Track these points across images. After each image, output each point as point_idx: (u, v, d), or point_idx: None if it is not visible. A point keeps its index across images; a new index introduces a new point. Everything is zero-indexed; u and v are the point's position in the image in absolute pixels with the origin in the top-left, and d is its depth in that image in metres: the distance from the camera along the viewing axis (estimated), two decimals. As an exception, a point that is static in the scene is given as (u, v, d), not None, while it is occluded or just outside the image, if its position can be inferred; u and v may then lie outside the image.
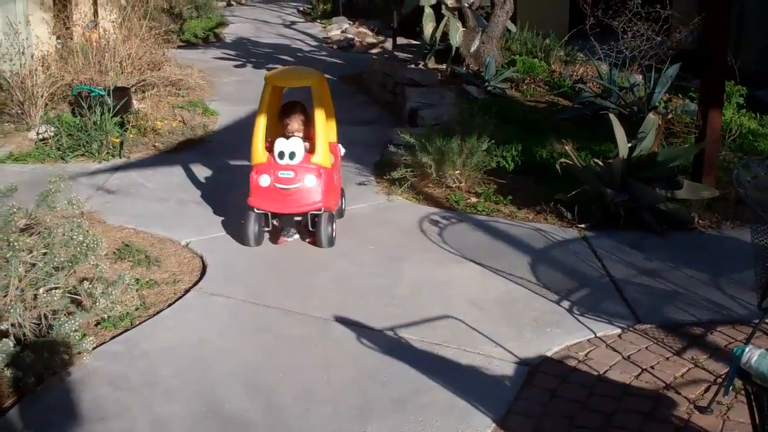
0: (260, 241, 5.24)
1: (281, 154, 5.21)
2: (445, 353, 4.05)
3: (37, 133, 7.61)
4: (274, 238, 5.38)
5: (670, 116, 6.69)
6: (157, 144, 7.75)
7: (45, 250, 3.59)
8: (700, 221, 5.73)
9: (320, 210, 5.22)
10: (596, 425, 3.53)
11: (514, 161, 6.84)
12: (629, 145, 5.84)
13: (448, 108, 7.85)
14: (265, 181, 5.21)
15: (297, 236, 5.37)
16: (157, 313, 4.41)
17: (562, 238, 5.54)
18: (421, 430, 3.45)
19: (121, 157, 7.30)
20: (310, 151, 5.29)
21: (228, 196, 6.17)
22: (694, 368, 3.97)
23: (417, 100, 8.25)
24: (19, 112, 8.03)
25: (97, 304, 3.67)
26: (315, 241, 5.29)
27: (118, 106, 7.68)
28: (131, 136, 7.72)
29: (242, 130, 8.19)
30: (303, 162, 5.22)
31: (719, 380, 3.76)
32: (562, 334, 4.26)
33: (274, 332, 4.23)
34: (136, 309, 4.39)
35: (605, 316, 4.44)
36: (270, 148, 5.32)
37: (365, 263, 5.10)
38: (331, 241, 5.26)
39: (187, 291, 4.69)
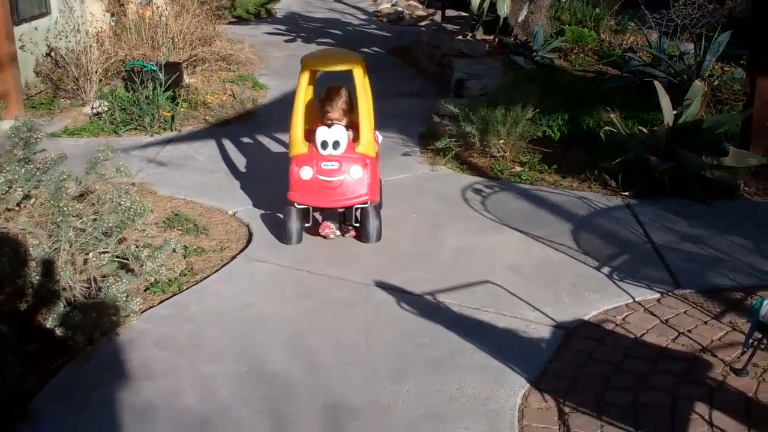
0: (301, 238, 4.91)
1: (324, 144, 4.86)
2: (483, 317, 4.11)
3: (92, 108, 7.82)
4: (314, 232, 5.03)
5: (716, 83, 6.62)
6: (207, 117, 7.90)
7: (94, 216, 3.73)
8: (746, 189, 5.69)
9: (366, 203, 4.90)
10: (630, 386, 3.57)
11: (560, 130, 6.83)
12: (675, 112, 5.80)
13: (495, 78, 7.85)
14: (307, 173, 4.85)
15: (338, 233, 5.02)
16: (204, 278, 4.55)
17: (605, 205, 5.54)
18: (457, 389, 3.53)
19: (172, 131, 7.47)
20: (354, 140, 4.98)
21: (276, 167, 6.27)
22: (732, 332, 3.98)
23: (463, 71, 8.26)
24: (75, 87, 8.25)
25: (144, 267, 3.81)
26: (359, 236, 4.96)
27: (170, 81, 7.83)
28: (182, 110, 7.87)
29: (290, 103, 8.22)
30: (347, 152, 4.88)
31: (756, 343, 3.75)
32: (600, 298, 4.29)
33: (316, 297, 4.33)
34: (184, 275, 4.53)
35: (645, 281, 4.46)
36: (309, 138, 4.99)
37: (408, 231, 5.17)
38: (379, 235, 4.93)
39: (233, 258, 4.81)
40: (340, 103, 5.03)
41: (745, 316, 4.09)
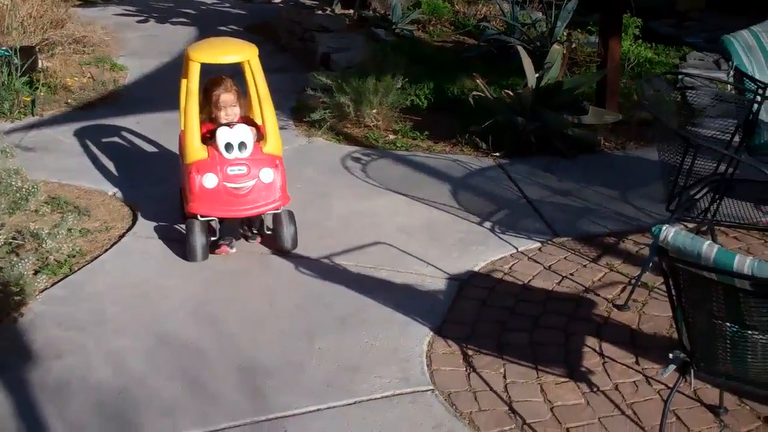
0: (207, 254, 4.39)
1: (228, 146, 4.33)
2: (380, 275, 4.28)
3: (-57, 96, 7.45)
4: (212, 247, 4.50)
5: (573, 46, 7.01)
6: (69, 101, 7.66)
7: (-17, 199, 3.65)
8: (606, 144, 6.08)
9: (279, 208, 4.46)
10: (525, 327, 3.84)
11: (427, 99, 7.05)
12: (537, 75, 6.12)
13: (360, 51, 7.99)
14: (211, 181, 4.30)
15: (235, 248, 4.55)
16: (95, 258, 4.49)
17: (478, 166, 5.81)
18: (366, 342, 3.69)
19: (34, 115, 7.21)
20: (257, 139, 4.52)
21: (147, 147, 6.22)
22: (610, 272, 4.30)
23: (328, 45, 8.36)
24: None
25: (44, 245, 3.75)
26: (274, 244, 4.51)
27: (26, 66, 7.55)
28: (42, 94, 7.60)
29: (153, 83, 8.19)
30: (254, 153, 4.40)
31: (633, 281, 4.09)
32: (486, 250, 4.54)
33: (214, 268, 4.37)
34: (73, 256, 4.46)
35: (525, 232, 4.74)
36: (205, 140, 4.47)
37: (294, 200, 5.21)
38: (296, 242, 4.49)
39: (121, 237, 4.76)
40: (230, 84, 4.54)
41: (620, 258, 4.45)
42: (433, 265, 4.36)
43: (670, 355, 2.71)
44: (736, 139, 4.34)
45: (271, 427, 3.16)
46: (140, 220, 4.98)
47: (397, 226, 4.85)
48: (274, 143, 4.53)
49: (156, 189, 5.38)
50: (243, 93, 4.64)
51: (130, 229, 4.87)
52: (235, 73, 4.77)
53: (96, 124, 6.95)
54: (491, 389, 3.40)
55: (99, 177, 5.71)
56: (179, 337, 3.74)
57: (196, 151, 4.40)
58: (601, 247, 4.58)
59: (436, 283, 4.21)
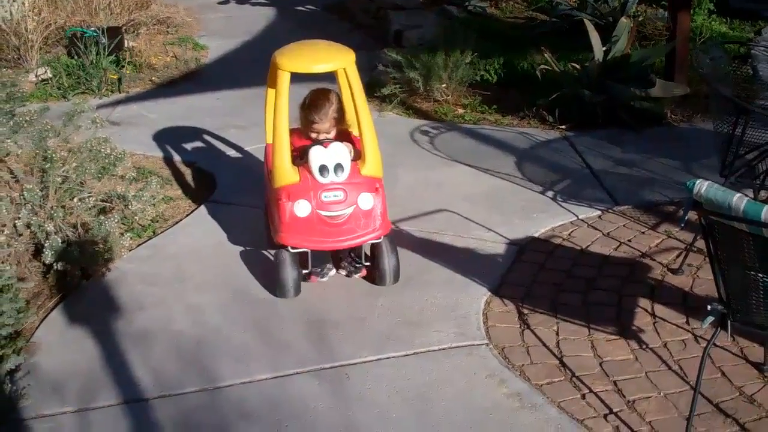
0: (300, 289, 3.92)
1: (323, 169, 3.81)
2: (442, 240, 4.47)
3: (36, 75, 7.89)
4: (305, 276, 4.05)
5: (641, 19, 7.04)
6: (153, 78, 8.04)
7: (75, 164, 3.96)
8: (673, 116, 6.14)
9: (380, 238, 3.95)
10: (580, 288, 3.99)
11: (497, 74, 7.18)
12: (604, 48, 6.20)
13: (431, 28, 8.15)
14: (304, 209, 3.81)
15: (333, 272, 4.13)
16: (176, 222, 4.80)
17: (544, 138, 5.94)
18: (426, 300, 3.90)
19: (120, 92, 7.60)
20: (355, 158, 3.99)
21: (226, 121, 6.51)
22: (667, 239, 4.41)
23: (400, 23, 8.55)
24: (16, 57, 8.30)
25: (130, 207, 4.06)
26: (372, 276, 4.03)
27: (113, 45, 7.94)
28: (128, 72, 8.00)
29: (232, 62, 8.50)
30: (352, 176, 3.87)
31: (689, 247, 4.19)
32: (547, 218, 4.69)
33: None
34: (156, 221, 4.77)
35: (586, 201, 4.87)
36: (294, 158, 3.94)
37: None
38: (398, 275, 3.99)
39: (201, 203, 5.06)
40: (331, 111, 3.99)
41: (678, 226, 4.54)
42: (494, 231, 4.54)
43: (709, 307, 2.84)
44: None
45: (335, 373, 3.40)
46: (218, 188, 5.27)
47: (462, 194, 5.03)
48: (373, 163, 3.94)
49: (234, 160, 5.68)
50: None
51: (209, 196, 5.16)
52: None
53: (179, 100, 7.29)
54: (543, 344, 3.58)
55: (181, 148, 6.03)
56: (253, 293, 4.01)
57: (286, 174, 3.86)
58: (660, 215, 4.69)
59: (496, 247, 4.38)
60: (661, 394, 3.25)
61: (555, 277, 4.10)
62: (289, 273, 3.86)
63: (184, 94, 7.46)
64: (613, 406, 3.18)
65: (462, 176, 5.34)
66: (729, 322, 2.78)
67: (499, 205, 4.86)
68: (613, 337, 3.61)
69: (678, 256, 4.21)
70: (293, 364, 3.47)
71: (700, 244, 4.16)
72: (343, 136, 4.11)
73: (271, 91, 4.25)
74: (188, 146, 6.08)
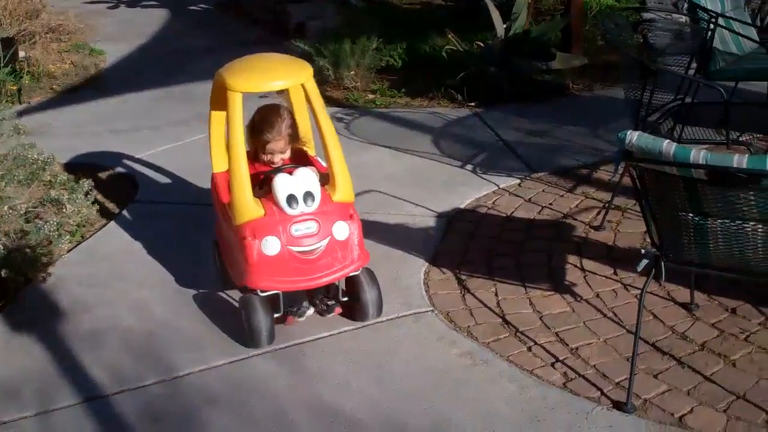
0: (274, 335, 3.50)
1: (291, 200, 3.40)
2: (374, 218, 4.59)
3: (-68, 91, 7.65)
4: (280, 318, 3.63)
5: (536, -4, 7.31)
6: (54, 87, 7.89)
7: (2, 172, 3.92)
8: (574, 87, 6.43)
9: (359, 269, 3.59)
10: (511, 252, 4.19)
11: (401, 59, 7.35)
12: (504, 26, 6.44)
13: (331, 19, 8.26)
14: (273, 246, 3.38)
15: (311, 310, 3.65)
16: (104, 225, 4.77)
17: (456, 116, 6.13)
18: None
19: (21, 103, 7.43)
20: (322, 183, 3.56)
21: (136, 122, 6.47)
22: (586, 199, 4.66)
23: (301, 15, 8.64)
24: None
25: (64, 210, 4.04)
26: (351, 312, 3.66)
27: (7, 56, 7.77)
28: (27, 82, 7.83)
29: (132, 65, 8.45)
30: (323, 204, 3.47)
31: (607, 204, 4.44)
32: (470, 189, 4.88)
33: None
34: (83, 225, 4.74)
35: (504, 171, 5.08)
36: (252, 188, 3.48)
37: (285, 160, 5.56)
38: (381, 308, 3.65)
39: (126, 206, 5.04)
40: (285, 127, 3.62)
41: (594, 186, 4.80)
42: (422, 206, 4.69)
43: (642, 251, 3.06)
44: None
45: (291, 352, 3.49)
46: (141, 188, 5.26)
47: (385, 175, 5.17)
48: (345, 188, 3.56)
49: (151, 160, 5.66)
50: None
51: (133, 197, 5.15)
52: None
53: (83, 106, 7.19)
54: (485, 306, 3.75)
55: (96, 153, 5.96)
56: (195, 285, 4.04)
57: (249, 208, 3.41)
58: (575, 179, 4.93)
59: (427, 221, 4.54)
60: (601, 339, 3.46)
61: (486, 244, 4.28)
62: (262, 320, 3.43)
63: (88, 101, 7.35)
64: (559, 354, 3.38)
65: (382, 157, 5.47)
66: (662, 263, 2.99)
67: (423, 182, 5.02)
68: (549, 293, 3.81)
69: (598, 214, 4.45)
70: (251, 349, 3.53)
71: (618, 201, 4.42)
72: (299, 156, 3.79)
73: (216, 115, 3.80)
74: (102, 150, 6.02)
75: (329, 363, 3.40)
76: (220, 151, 3.86)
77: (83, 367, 3.46)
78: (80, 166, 5.71)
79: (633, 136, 2.67)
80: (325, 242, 3.44)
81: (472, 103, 6.27)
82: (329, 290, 3.63)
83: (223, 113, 3.71)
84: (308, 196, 3.42)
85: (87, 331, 3.72)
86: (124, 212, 4.94)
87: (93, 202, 4.73)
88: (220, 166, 3.87)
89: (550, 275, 3.95)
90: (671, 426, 2.93)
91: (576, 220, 4.44)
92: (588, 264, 4.01)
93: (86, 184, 4.40)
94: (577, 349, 3.41)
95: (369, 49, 6.74)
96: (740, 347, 3.32)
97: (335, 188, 3.54)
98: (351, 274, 3.55)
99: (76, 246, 4.53)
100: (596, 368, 3.28)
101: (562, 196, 4.73)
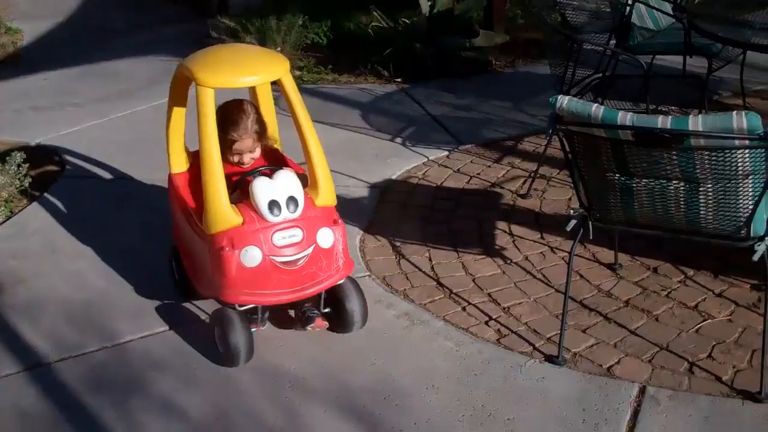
0: (252, 353, 3.22)
1: (273, 205, 3.11)
2: (307, 190, 4.67)
3: None
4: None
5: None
6: (-31, 66, 7.71)
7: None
8: (497, 63, 6.60)
9: (343, 278, 3.34)
10: (443, 219, 4.32)
11: (327, 36, 7.40)
12: (429, 3, 6.56)
13: (255, -5, 8.26)
14: (253, 257, 3.08)
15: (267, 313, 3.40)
16: (32, 201, 4.73)
17: (383, 92, 6.23)
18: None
19: (-64, 83, 7.25)
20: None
21: (59, 98, 6.38)
22: (512, 169, 4.82)
23: (223, -8, 8.60)
24: None
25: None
26: (333, 324, 3.39)
27: None
28: (-59, 61, 7.64)
29: (51, 42, 8.33)
30: (306, 209, 3.19)
31: (533, 173, 4.60)
32: (401, 161, 4.99)
33: (152, 197, 4.68)
34: (11, 201, 4.69)
35: (433, 144, 5.21)
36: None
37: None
38: (366, 318, 3.38)
39: (55, 180, 5.00)
40: (251, 124, 3.35)
41: (520, 157, 4.96)
42: (355, 178, 4.78)
43: (571, 211, 3.21)
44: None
45: (232, 317, 3.55)
46: (68, 164, 5.22)
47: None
48: (328, 191, 3.31)
49: (77, 136, 5.61)
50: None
51: (61, 172, 5.10)
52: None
53: (3, 84, 7.05)
54: (420, 270, 3.87)
55: (18, 129, 5.88)
56: (130, 257, 4.06)
57: (225, 216, 3.09)
58: (502, 150, 5.09)
59: (360, 191, 4.64)
60: (531, 299, 3.61)
61: (419, 212, 4.40)
62: (240, 337, 3.13)
63: (7, 79, 7.21)
64: (492, 313, 3.52)
65: (312, 132, 5.53)
66: (590, 223, 3.15)
67: (354, 155, 5.10)
68: (480, 257, 3.95)
69: (524, 183, 4.61)
70: (192, 315, 3.57)
71: (543, 170, 4.59)
72: (271, 155, 3.56)
73: (176, 111, 3.52)
74: (26, 128, 5.93)
75: (272, 327, 3.47)
76: (178, 150, 3.58)
77: (22, 337, 3.46)
78: (4, 143, 5.64)
79: (563, 101, 2.81)
80: (309, 251, 3.15)
81: (399, 79, 6.37)
82: (311, 301, 3.34)
83: (183, 109, 3.50)
84: (291, 201, 3.13)
85: (23, 302, 3.71)
86: (53, 188, 4.90)
87: (24, 176, 4.68)
88: (178, 166, 3.59)
89: (481, 240, 4.09)
90: (600, 376, 3.10)
91: (503, 188, 4.59)
92: (516, 229, 4.16)
93: (18, 156, 4.35)
94: (509, 308, 3.55)
95: (295, 25, 6.78)
96: (662, 303, 3.51)
97: (318, 191, 3.26)
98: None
99: (5, 221, 4.48)
100: (528, 325, 3.43)
101: (489, 166, 4.88)
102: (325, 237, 3.20)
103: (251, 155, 3.39)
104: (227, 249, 3.07)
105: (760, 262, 2.93)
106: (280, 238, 3.12)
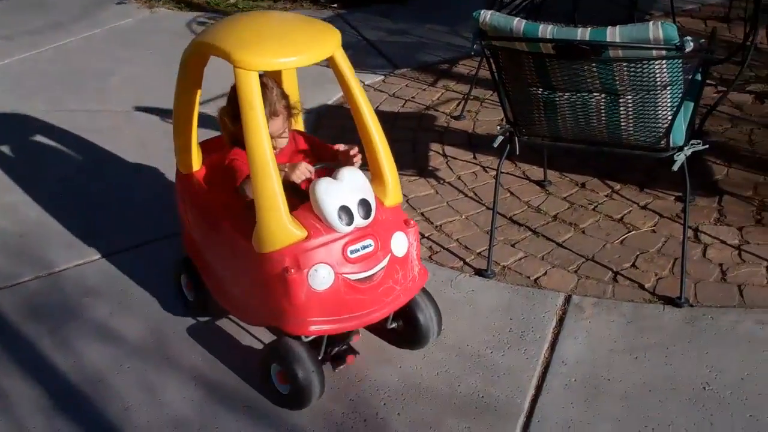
0: (324, 388, 2.63)
1: (344, 212, 2.54)
2: (242, 117, 4.66)
3: None
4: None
5: None
6: None
7: None
8: (434, -13, 6.58)
9: (420, 288, 2.78)
10: (378, 142, 4.33)
11: (261, -37, 7.29)
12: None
13: None
14: (324, 278, 2.52)
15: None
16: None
17: (319, 17, 6.15)
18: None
19: None
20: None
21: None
22: (446, 92, 4.86)
23: None
24: None
25: None
26: (402, 338, 2.89)
27: None
28: None
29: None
30: (377, 212, 2.62)
31: (466, 96, 4.64)
32: (337, 87, 4.79)
33: (84, 127, 4.63)
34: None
35: (369, 68, 5.21)
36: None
37: (149, 64, 5.52)
38: (441, 324, 2.87)
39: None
40: (276, 99, 2.75)
41: (454, 80, 5.00)
42: (291, 104, 4.76)
43: (498, 128, 3.27)
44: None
45: (165, 243, 3.57)
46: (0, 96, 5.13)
47: (251, 75, 5.20)
48: (396, 186, 2.77)
49: (8, 69, 5.49)
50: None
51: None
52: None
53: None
54: (355, 190, 3.91)
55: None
56: (65, 188, 4.03)
57: (284, 231, 2.50)
58: (436, 73, 5.11)
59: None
60: (463, 216, 3.69)
61: (354, 136, 4.34)
62: (312, 375, 2.57)
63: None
64: (425, 231, 3.58)
65: (247, 60, 5.49)
66: (516, 138, 3.21)
67: (289, 81, 5.08)
68: (414, 177, 4.00)
69: (458, 105, 4.65)
70: (126, 243, 3.58)
71: (476, 92, 4.64)
72: (300, 141, 3.02)
73: (189, 99, 2.91)
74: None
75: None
76: (190, 145, 2.96)
77: (-46, 271, 3.45)
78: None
79: (486, 15, 2.84)
80: (385, 262, 2.61)
81: (335, 5, 6.34)
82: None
83: (196, 97, 2.93)
84: (362, 204, 2.56)
85: (-45, 236, 3.68)
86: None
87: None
88: (193, 164, 2.98)
89: (415, 162, 4.14)
90: (527, 287, 3.19)
91: (438, 111, 4.63)
92: (450, 150, 4.22)
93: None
94: (441, 225, 3.62)
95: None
96: (589, 216, 3.61)
97: (385, 188, 2.71)
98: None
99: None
100: (459, 242, 3.51)
101: (424, 89, 4.91)
102: (400, 243, 2.66)
103: (282, 140, 2.81)
104: (292, 271, 2.48)
105: (681, 172, 3.02)
106: (353, 251, 2.55)
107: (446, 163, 4.12)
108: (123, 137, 4.53)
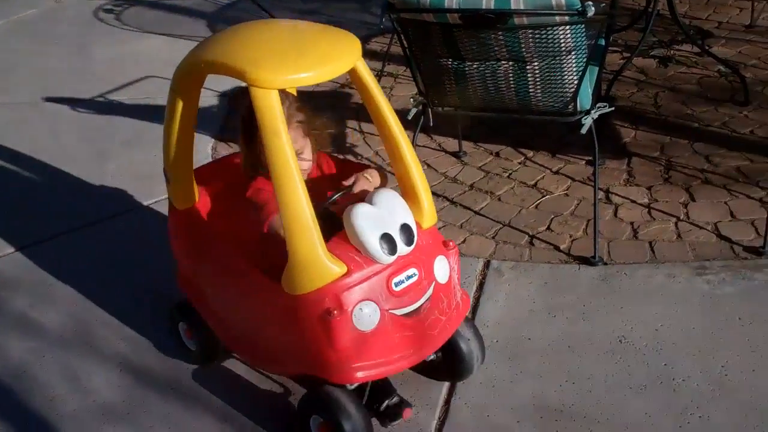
0: None
1: (386, 242, 2.23)
2: (155, 103, 4.61)
3: None
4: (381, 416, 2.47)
5: None
6: None
7: None
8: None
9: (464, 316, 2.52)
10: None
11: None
12: None
13: None
14: (370, 316, 2.22)
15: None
16: None
17: (229, 1, 6.15)
18: (154, 156, 4.04)
19: None
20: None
21: None
22: (360, 69, 4.87)
23: None
24: None
25: None
26: (442, 373, 2.63)
27: None
28: None
29: None
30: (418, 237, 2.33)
31: (381, 71, 4.68)
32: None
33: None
34: None
35: (282, 49, 5.19)
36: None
37: (57, 53, 5.41)
38: (485, 353, 2.61)
39: None
40: (293, 112, 2.51)
41: (367, 57, 5.00)
42: (204, 87, 4.71)
43: (411, 101, 3.31)
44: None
45: (90, 232, 3.52)
46: None
47: (162, 61, 5.13)
48: (431, 206, 2.48)
49: None
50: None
51: None
52: None
53: None
54: (273, 172, 3.91)
55: None
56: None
57: (322, 268, 2.18)
58: (352, 51, 5.13)
59: (211, 100, 4.62)
60: (382, 190, 3.73)
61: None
62: (361, 426, 2.27)
63: None
64: (345, 207, 3.61)
65: (157, 45, 5.44)
66: (429, 110, 3.26)
67: (202, 65, 5.04)
68: (333, 155, 4.01)
69: (379, 78, 4.68)
70: (42, 234, 3.52)
71: (390, 68, 4.68)
72: (327, 166, 2.72)
73: (184, 122, 2.53)
74: None
75: (120, 236, 3.47)
76: (186, 176, 2.57)
77: None
78: None
79: (395, -13, 2.87)
80: (430, 291, 2.35)
81: (246, -14, 6.28)
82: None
83: (192, 120, 2.57)
84: (404, 230, 2.28)
85: None
86: None
87: None
88: (191, 197, 2.60)
89: (333, 139, 4.15)
90: (448, 255, 3.25)
91: (352, 88, 4.65)
92: (366, 126, 4.25)
93: None
94: (361, 200, 3.66)
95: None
96: (504, 184, 3.69)
97: (420, 209, 2.43)
98: None
99: None
100: (380, 215, 3.54)
101: (339, 68, 4.92)
102: (443, 268, 2.40)
103: (306, 162, 2.50)
104: (335, 312, 2.16)
105: (590, 136, 3.11)
106: (397, 283, 2.26)
107: (363, 139, 4.15)
108: (31, 129, 4.44)
